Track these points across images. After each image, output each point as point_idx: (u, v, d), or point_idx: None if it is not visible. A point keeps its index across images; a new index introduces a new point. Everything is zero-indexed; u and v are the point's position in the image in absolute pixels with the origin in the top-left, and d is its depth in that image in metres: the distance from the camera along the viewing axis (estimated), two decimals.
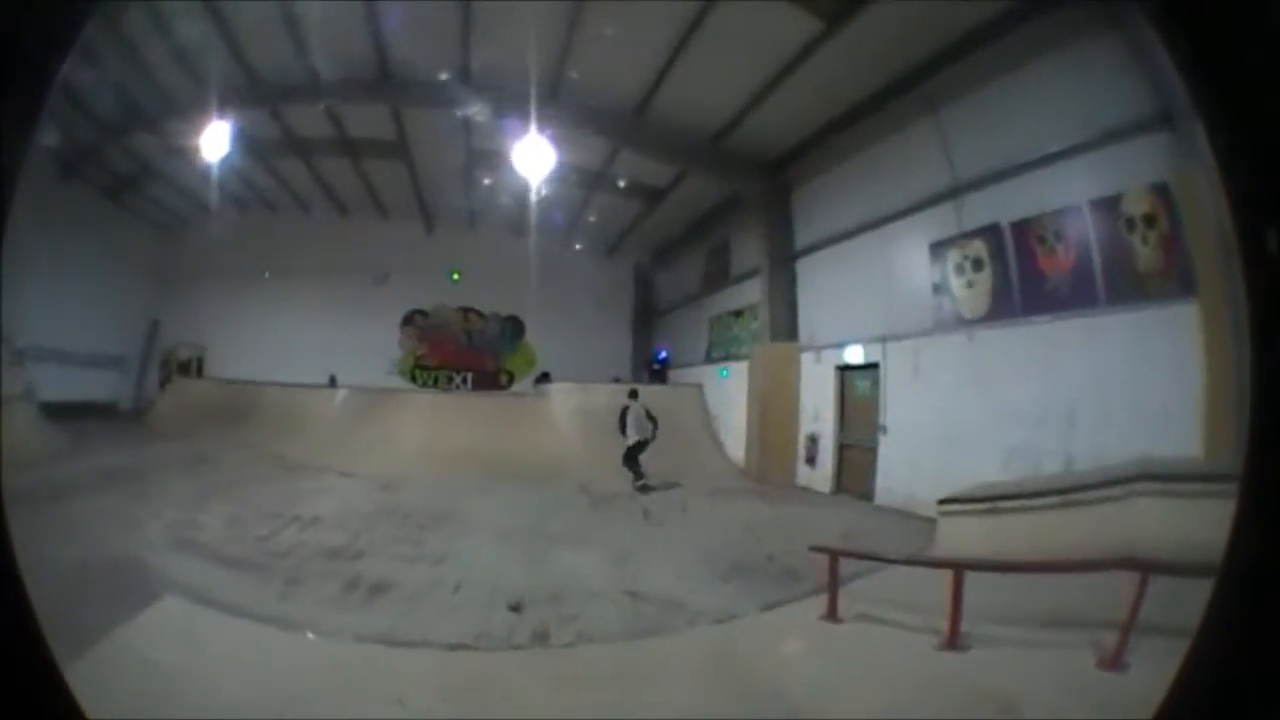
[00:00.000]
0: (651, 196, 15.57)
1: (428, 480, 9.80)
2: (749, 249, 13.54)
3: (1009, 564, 4.36)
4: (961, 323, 8.19)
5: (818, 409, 11.01)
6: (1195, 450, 5.23)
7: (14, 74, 0.95)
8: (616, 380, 14.66)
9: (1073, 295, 6.77)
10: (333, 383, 16.06)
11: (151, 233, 19.05)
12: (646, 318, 21.14)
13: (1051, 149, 6.94)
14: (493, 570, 5.83)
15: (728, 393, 13.46)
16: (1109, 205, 6.41)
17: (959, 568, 4.08)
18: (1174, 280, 5.79)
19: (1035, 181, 7.22)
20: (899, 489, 8.80)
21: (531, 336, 21.04)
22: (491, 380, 20.87)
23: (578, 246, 19.31)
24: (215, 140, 12.37)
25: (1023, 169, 7.33)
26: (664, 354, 19.30)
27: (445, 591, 5.25)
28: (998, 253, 7.70)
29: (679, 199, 15.22)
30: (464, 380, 20.82)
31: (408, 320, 20.84)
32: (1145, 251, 6.08)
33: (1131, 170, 6.16)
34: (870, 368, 9.77)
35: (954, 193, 8.31)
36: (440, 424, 12.38)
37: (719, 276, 15.77)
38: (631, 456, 10.74)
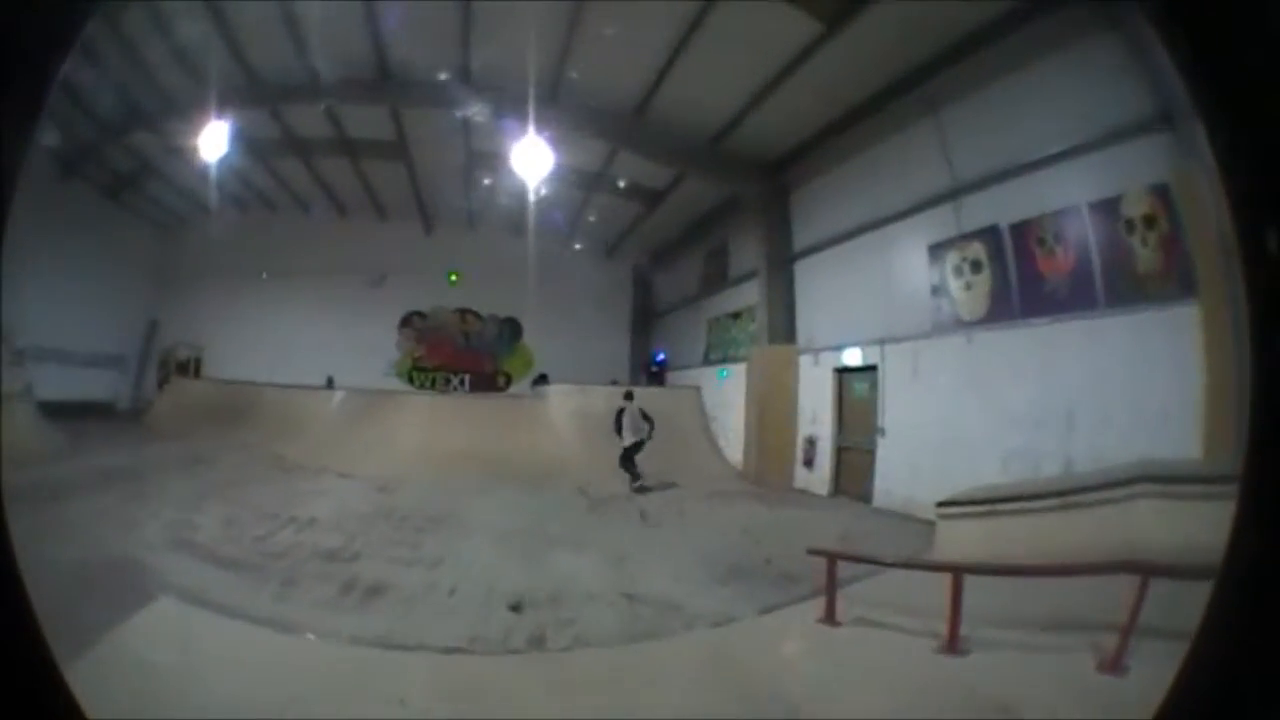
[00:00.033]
0: (650, 198, 15.58)
1: (425, 482, 9.78)
2: (747, 251, 13.54)
3: (1008, 567, 4.34)
4: (960, 325, 8.18)
5: (816, 411, 11.01)
6: (1195, 452, 5.22)
7: (14, 74, 0.95)
8: (614, 382, 14.66)
9: (1072, 297, 6.76)
10: (330, 384, 16.05)
11: (151, 232, 19.09)
12: (645, 319, 21.16)
13: (1050, 150, 6.93)
14: (489, 573, 5.81)
15: (727, 394, 13.45)
16: (1108, 207, 6.40)
17: (958, 571, 4.07)
18: (1173, 282, 5.78)
19: (1034, 183, 7.21)
20: (897, 491, 8.79)
21: (529, 338, 21.05)
22: (489, 382, 20.87)
23: (577, 248, 19.32)
24: (214, 140, 12.38)
25: (1022, 170, 7.33)
26: (662, 356, 19.30)
27: (441, 594, 5.23)
28: (996, 254, 7.69)
29: (678, 201, 15.23)
30: (461, 382, 20.81)
31: (406, 322, 20.83)
32: (1144, 253, 6.07)
33: (1131, 171, 6.16)
34: (868, 370, 9.76)
35: (953, 194, 8.31)
36: (438, 426, 12.37)
37: (717, 278, 15.78)
38: (628, 458, 10.79)
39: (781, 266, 12.08)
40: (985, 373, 7.70)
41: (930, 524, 6.77)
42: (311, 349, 18.16)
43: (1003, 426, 7.21)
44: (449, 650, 4.18)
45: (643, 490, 10.47)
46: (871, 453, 9.49)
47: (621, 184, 14.77)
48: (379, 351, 20.13)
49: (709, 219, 15.70)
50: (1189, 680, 1.02)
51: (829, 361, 10.74)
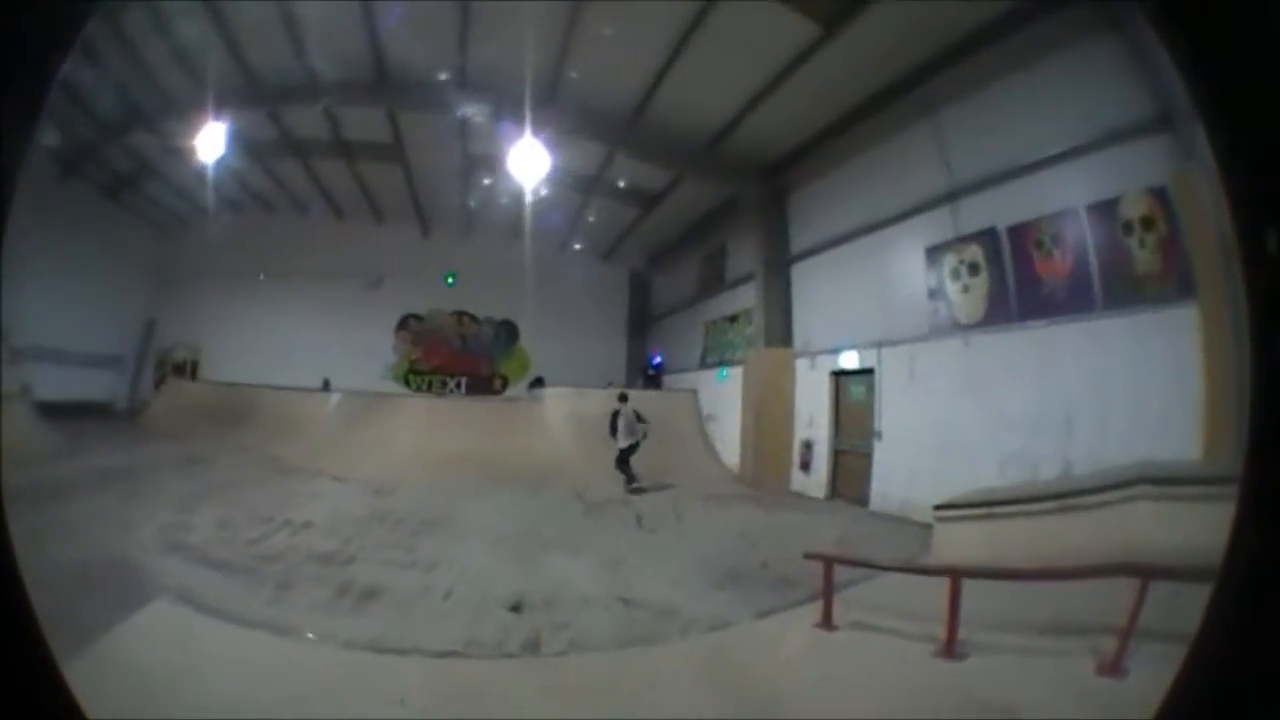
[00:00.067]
0: (647, 201, 15.60)
1: (421, 485, 9.75)
2: (745, 254, 13.56)
3: (1006, 571, 4.33)
4: (957, 328, 8.19)
5: (812, 415, 11.00)
6: (1194, 454, 5.22)
7: (14, 74, 0.94)
8: (611, 385, 14.65)
9: (1070, 299, 6.77)
10: (326, 386, 16.01)
11: (149, 233, 19.08)
12: (642, 322, 21.16)
13: (1048, 153, 6.95)
14: (485, 576, 5.78)
15: (726, 395, 13.41)
16: (1107, 209, 6.41)
17: (956, 575, 4.05)
18: (1172, 283, 5.79)
19: (1032, 185, 7.22)
20: (894, 495, 8.78)
21: (526, 341, 21.06)
22: (485, 385, 20.85)
23: (574, 250, 19.34)
24: (212, 141, 12.39)
25: (1019, 173, 7.34)
26: (659, 359, 19.29)
27: (436, 598, 5.21)
28: (994, 257, 7.70)
29: (675, 203, 15.25)
30: (458, 385, 20.80)
31: (402, 324, 20.82)
32: (1143, 255, 6.08)
33: (1129, 173, 6.17)
34: (865, 373, 9.76)
35: (950, 197, 8.32)
36: (434, 428, 12.35)
37: (714, 281, 15.79)
38: (623, 460, 10.87)
39: (779, 269, 12.09)
40: (983, 376, 7.70)
41: (927, 527, 6.76)
42: (308, 351, 18.13)
43: (1000, 429, 7.20)
44: (444, 654, 4.15)
45: (638, 492, 10.51)
46: (868, 456, 9.48)
47: (620, 185, 14.77)
48: (375, 354, 20.12)
49: (706, 222, 15.70)
50: (1188, 682, 1.02)
51: (826, 365, 10.74)
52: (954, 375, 8.10)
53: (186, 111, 12.04)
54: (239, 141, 13.07)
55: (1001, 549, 5.26)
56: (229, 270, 18.57)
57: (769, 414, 11.62)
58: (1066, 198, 6.85)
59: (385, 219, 19.39)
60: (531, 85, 10.27)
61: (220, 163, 13.16)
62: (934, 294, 8.55)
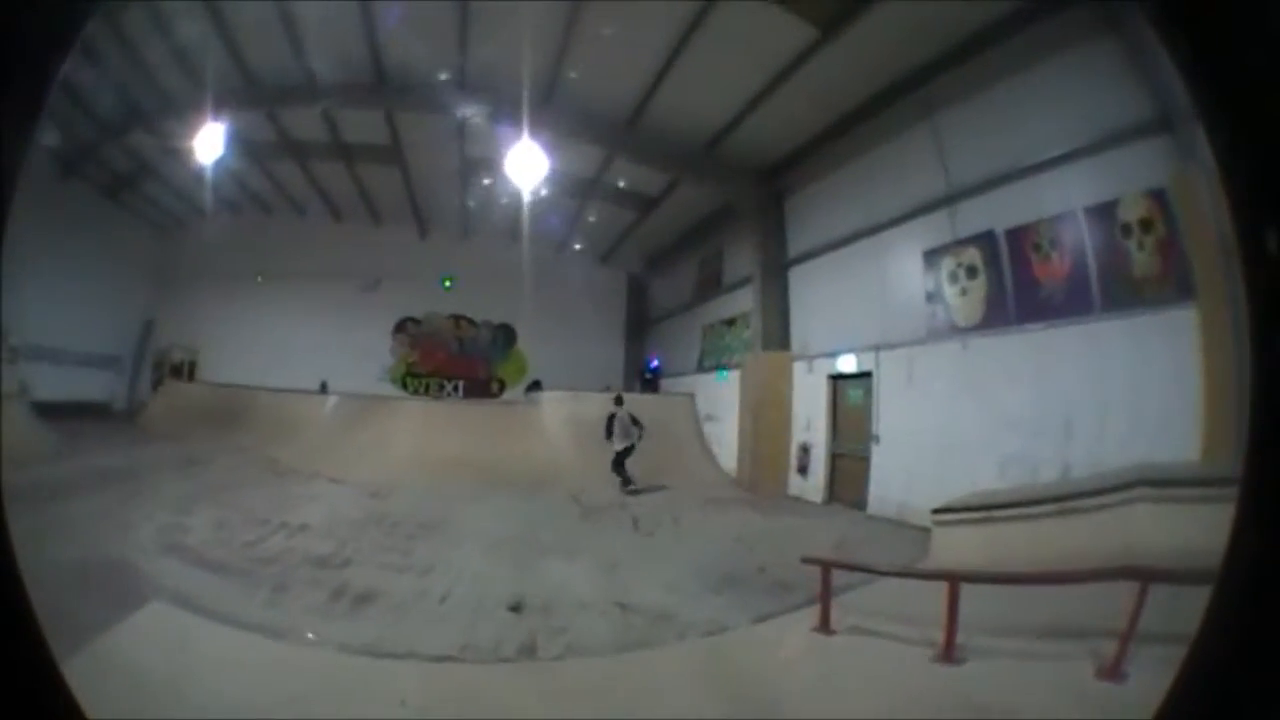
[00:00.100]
0: (645, 204, 15.62)
1: (417, 488, 9.73)
2: (742, 257, 13.57)
3: (1005, 575, 4.31)
4: (955, 331, 8.19)
5: (810, 418, 10.99)
6: (1194, 456, 5.22)
7: (14, 74, 0.94)
8: (608, 389, 14.63)
9: (1068, 302, 6.77)
10: (324, 389, 15.98)
11: (148, 233, 19.08)
12: (639, 326, 21.16)
13: (1046, 155, 6.95)
14: (481, 580, 5.76)
15: (725, 396, 13.36)
16: (1105, 211, 6.41)
17: (954, 579, 4.04)
18: (1171, 285, 5.79)
19: (1030, 188, 7.23)
20: (892, 498, 8.77)
21: (523, 344, 21.06)
22: (483, 388, 20.84)
23: (571, 253, 19.35)
24: (211, 142, 12.39)
25: (1017, 175, 7.35)
26: (656, 363, 19.27)
27: (432, 601, 5.19)
28: (992, 260, 7.70)
29: (672, 207, 15.27)
30: (455, 388, 20.79)
31: (400, 327, 20.82)
32: (1141, 257, 6.08)
33: (1128, 175, 6.17)
34: (863, 377, 9.76)
35: (948, 200, 8.32)
36: (431, 431, 12.32)
37: (712, 285, 15.79)
38: (619, 462, 10.96)
39: (776, 273, 12.09)
40: (981, 379, 7.69)
41: (926, 531, 6.75)
42: (306, 353, 18.12)
43: (999, 432, 7.19)
44: (439, 658, 4.13)
45: (634, 494, 10.56)
46: (866, 460, 9.47)
47: (618, 188, 14.78)
48: (373, 356, 20.11)
49: (704, 225, 15.71)
50: (1188, 683, 1.01)
51: (823, 368, 10.74)
52: (952, 378, 8.09)
53: (185, 112, 12.05)
54: (238, 142, 13.08)
55: (1000, 552, 5.25)
56: (227, 271, 18.57)
57: (766, 417, 11.61)
58: (1064, 200, 6.85)
59: (383, 221, 19.39)
60: (529, 87, 10.29)
61: (219, 163, 13.19)
62: (932, 297, 8.55)
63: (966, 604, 3.93)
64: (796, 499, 10.78)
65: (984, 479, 6.94)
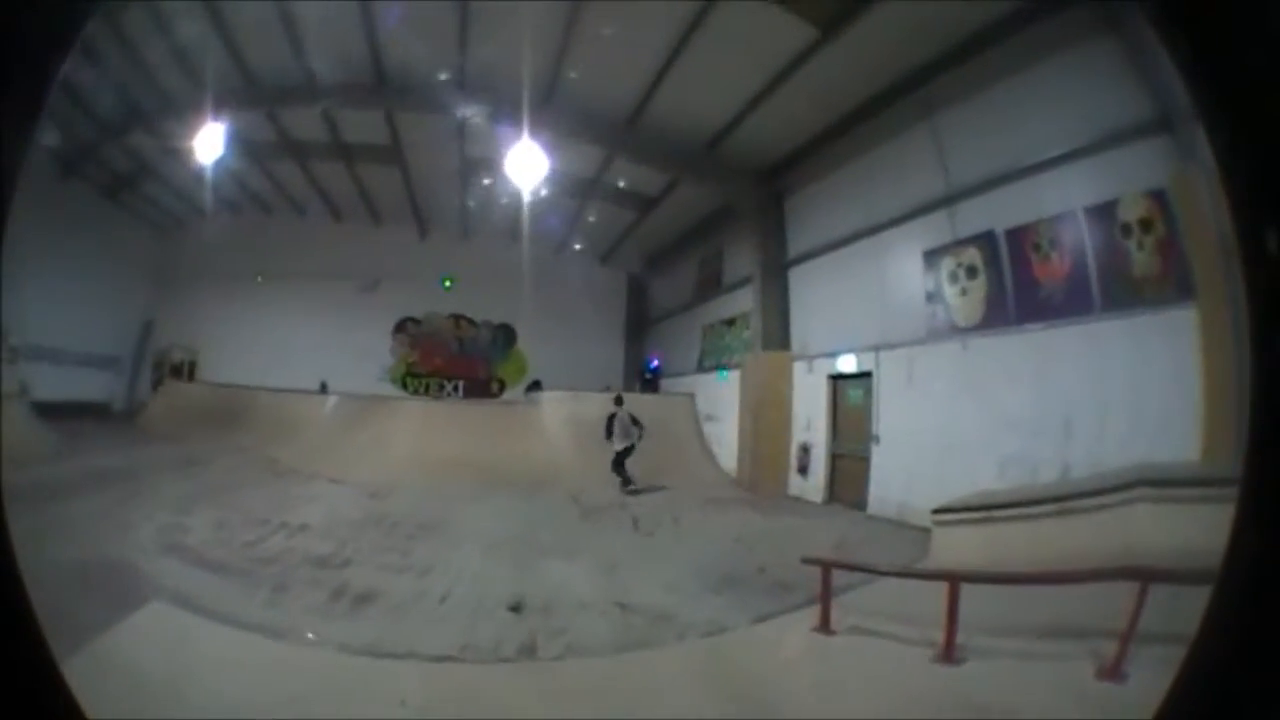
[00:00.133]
0: (645, 204, 15.61)
1: (417, 488, 9.72)
2: (742, 257, 13.57)
3: (1005, 575, 4.31)
4: (955, 331, 8.19)
5: (810, 418, 10.99)
6: (1193, 456, 5.21)
7: (14, 74, 0.94)
8: (608, 389, 14.64)
9: (1068, 302, 6.77)
10: (324, 389, 15.98)
11: (148, 233, 19.10)
12: (639, 326, 21.16)
13: (1046, 155, 6.95)
14: (480, 580, 5.76)
15: (725, 395, 13.35)
16: (1105, 211, 6.41)
17: (954, 580, 4.03)
18: (1170, 285, 5.79)
19: (1030, 188, 7.22)
20: (892, 499, 8.77)
21: (523, 344, 21.06)
22: (483, 388, 20.85)
23: (571, 254, 19.35)
24: (211, 142, 12.39)
25: (1017, 176, 7.35)
26: (656, 363, 19.27)
27: (432, 602, 5.19)
28: (992, 260, 7.70)
29: (672, 207, 15.27)
30: (455, 388, 20.79)
31: (400, 327, 20.83)
32: (1141, 257, 6.08)
33: (1127, 175, 6.17)
34: (863, 377, 9.76)
35: (948, 200, 8.32)
36: (430, 432, 12.32)
37: (712, 285, 15.79)
38: (619, 462, 10.99)
39: (776, 273, 12.09)
40: (981, 379, 7.69)
41: (926, 531, 6.75)
42: (306, 353, 18.13)
43: (999, 432, 7.19)
44: (439, 658, 4.13)
45: (634, 494, 10.59)
46: (866, 460, 9.46)
47: (621, 183, 14.78)
48: (373, 356, 20.12)
49: (704, 225, 15.71)
50: (1187, 683, 1.01)
51: (823, 368, 10.74)
52: (952, 378, 8.09)
53: (185, 112, 12.05)
54: (237, 143, 13.09)
55: (1000, 552, 5.25)
56: (227, 271, 18.59)
57: (766, 418, 11.61)
58: (1064, 200, 6.85)
59: (383, 221, 19.40)
60: (529, 87, 10.29)
61: (219, 164, 13.20)
62: (932, 297, 8.55)
63: (966, 604, 3.93)
64: (796, 499, 10.78)
65: (984, 479, 6.94)
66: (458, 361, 21.10)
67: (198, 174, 13.66)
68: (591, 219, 17.11)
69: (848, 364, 10.14)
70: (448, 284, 20.44)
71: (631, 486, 10.82)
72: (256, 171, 16.25)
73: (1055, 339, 6.85)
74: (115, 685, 3.11)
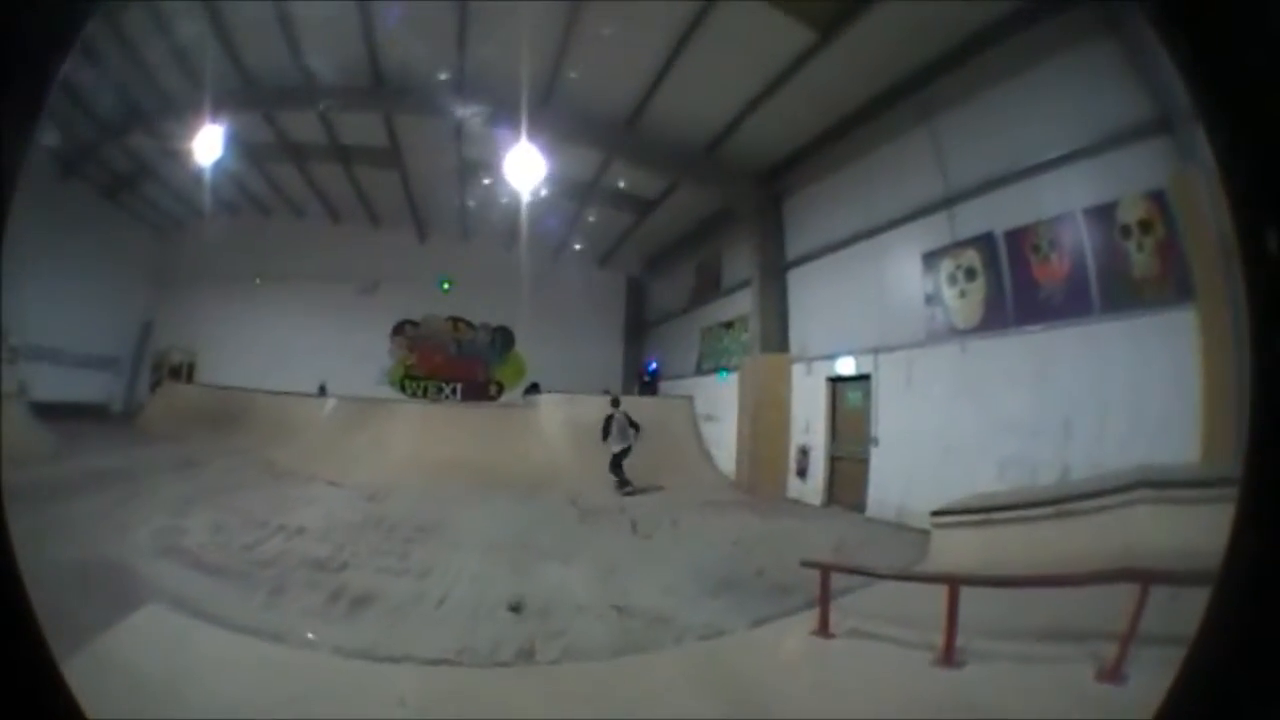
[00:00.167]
0: (643, 207, 15.62)
1: (415, 491, 9.69)
2: (740, 260, 13.57)
3: (1005, 579, 4.30)
4: (954, 333, 8.19)
5: (809, 421, 10.99)
6: (1193, 457, 5.21)
7: (14, 74, 0.94)
8: (606, 392, 14.66)
9: (1067, 304, 6.77)
10: (322, 391, 15.97)
11: (147, 234, 19.13)
12: (638, 328, 21.16)
13: (1045, 157, 6.96)
14: (478, 583, 5.75)
15: (725, 396, 13.32)
16: (1104, 212, 6.41)
17: (954, 583, 4.02)
18: (1170, 286, 5.79)
19: (1028, 190, 7.23)
20: (891, 501, 8.76)
21: (522, 347, 21.05)
22: (481, 391, 20.83)
23: (569, 256, 19.35)
24: (210, 143, 12.40)
25: (1016, 177, 7.35)
26: (654, 365, 19.27)
27: (429, 605, 5.18)
28: (991, 262, 7.70)
29: (671, 209, 15.28)
30: (453, 390, 20.78)
31: (398, 329, 20.82)
32: (1140, 258, 6.08)
33: (1126, 177, 6.18)
34: (862, 379, 9.76)
35: (947, 202, 8.33)
36: (429, 434, 12.30)
37: (710, 287, 15.80)
38: (616, 463, 11.06)
39: (775, 275, 12.09)
40: (980, 381, 7.69)
41: (925, 533, 6.75)
42: (304, 355, 18.13)
43: (998, 434, 7.19)
44: (436, 662, 4.12)
45: (631, 494, 10.64)
46: (865, 462, 9.46)
47: (621, 184, 14.79)
48: (371, 359, 20.12)
49: (702, 228, 15.72)
50: (1187, 684, 1.01)
51: (822, 371, 10.74)
52: (951, 381, 8.09)
53: (184, 113, 12.08)
54: (236, 144, 13.11)
55: (999, 554, 5.25)
56: (226, 273, 18.61)
57: (765, 420, 11.61)
58: (1063, 202, 6.85)
59: (382, 223, 19.41)
60: (528, 89, 10.29)
61: (218, 165, 13.20)
62: (931, 299, 8.55)
63: (966, 606, 3.92)
64: (795, 501, 10.77)
65: (983, 481, 6.93)
66: (456, 364, 21.09)
67: (197, 175, 13.69)
68: (590, 222, 17.12)
69: (846, 366, 10.14)
70: (446, 286, 20.45)
71: (628, 488, 10.87)
72: (255, 173, 16.28)
73: (1054, 340, 6.85)
74: (114, 686, 3.10)
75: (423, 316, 20.98)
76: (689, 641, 4.65)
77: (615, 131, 11.88)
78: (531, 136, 11.33)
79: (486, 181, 14.54)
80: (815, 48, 8.55)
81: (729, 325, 14.51)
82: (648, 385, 18.89)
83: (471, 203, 16.56)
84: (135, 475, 9.34)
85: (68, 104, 11.32)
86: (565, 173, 13.50)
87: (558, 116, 11.40)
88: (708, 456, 13.37)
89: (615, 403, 11.75)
